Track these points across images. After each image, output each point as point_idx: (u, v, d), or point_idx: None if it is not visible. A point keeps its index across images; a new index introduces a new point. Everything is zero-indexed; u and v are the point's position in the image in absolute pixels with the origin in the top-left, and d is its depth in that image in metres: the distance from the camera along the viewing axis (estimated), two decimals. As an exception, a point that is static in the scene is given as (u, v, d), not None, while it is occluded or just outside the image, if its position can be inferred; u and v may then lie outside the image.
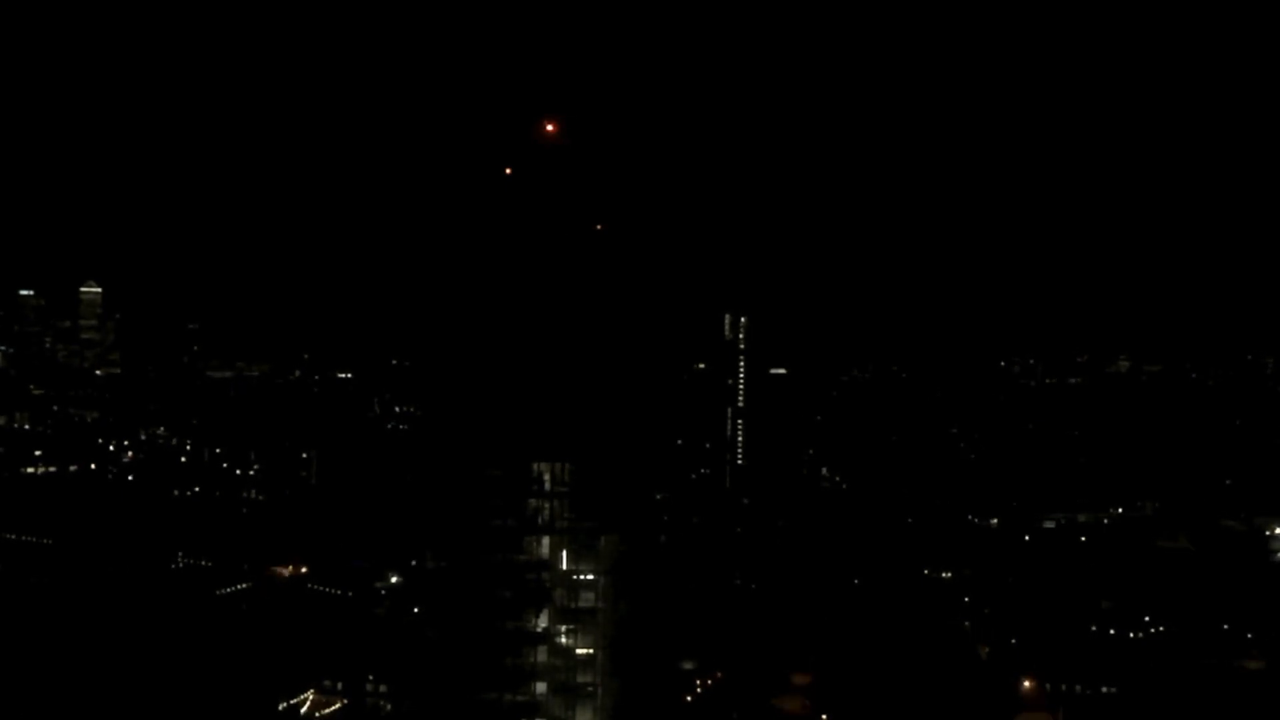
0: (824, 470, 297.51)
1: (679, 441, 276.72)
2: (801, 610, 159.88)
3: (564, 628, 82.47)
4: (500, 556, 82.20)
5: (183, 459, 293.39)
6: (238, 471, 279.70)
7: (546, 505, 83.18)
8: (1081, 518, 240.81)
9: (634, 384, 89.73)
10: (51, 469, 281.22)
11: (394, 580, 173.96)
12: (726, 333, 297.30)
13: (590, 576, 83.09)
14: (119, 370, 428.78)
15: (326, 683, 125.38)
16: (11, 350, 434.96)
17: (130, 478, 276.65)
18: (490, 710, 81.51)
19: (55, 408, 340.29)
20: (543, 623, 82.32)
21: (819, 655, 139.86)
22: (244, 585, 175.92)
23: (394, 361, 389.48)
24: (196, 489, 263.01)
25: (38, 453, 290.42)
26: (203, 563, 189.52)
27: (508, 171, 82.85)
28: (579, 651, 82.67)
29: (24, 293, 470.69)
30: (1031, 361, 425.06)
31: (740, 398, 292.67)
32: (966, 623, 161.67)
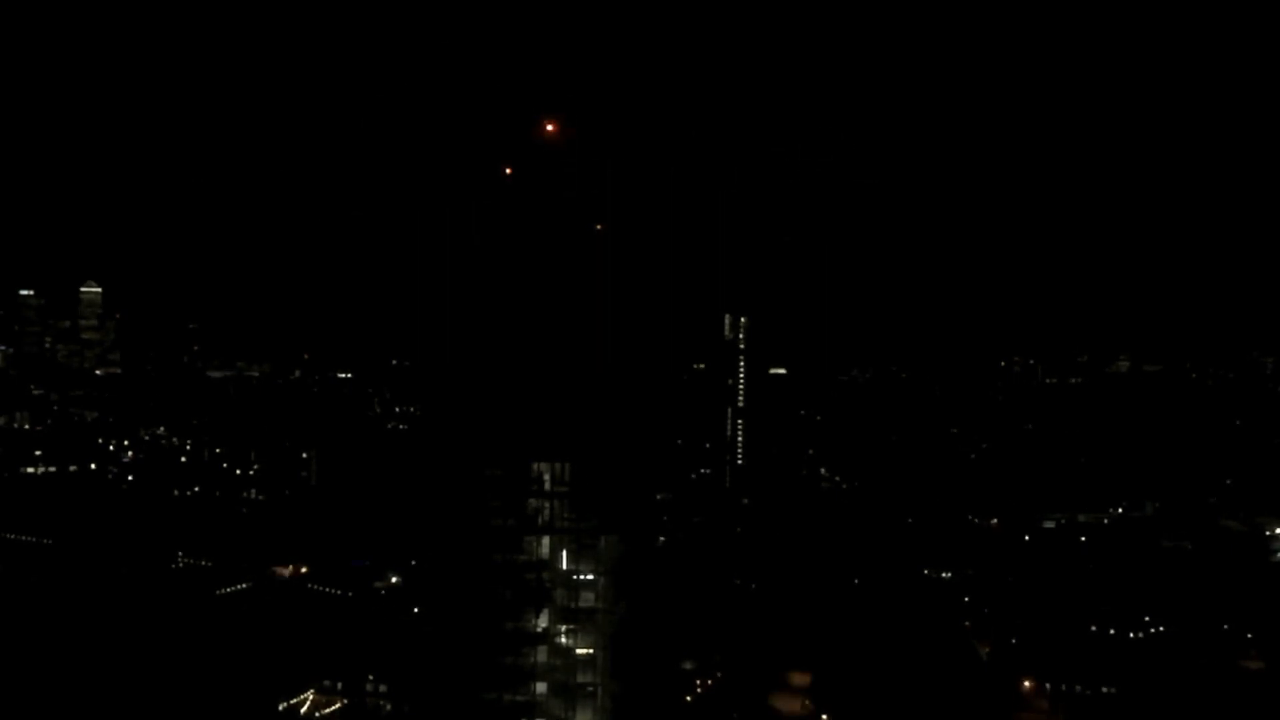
0: (824, 470, 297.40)
1: (679, 441, 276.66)
2: (801, 610, 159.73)
3: (564, 628, 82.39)
4: (500, 556, 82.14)
5: (183, 459, 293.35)
6: (238, 471, 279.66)
7: (546, 505, 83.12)
8: (1081, 518, 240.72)
9: (634, 384, 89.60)
10: (51, 469, 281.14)
11: (394, 580, 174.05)
12: (726, 333, 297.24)
13: (590, 576, 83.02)
14: (119, 370, 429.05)
15: (326, 683, 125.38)
16: (11, 350, 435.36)
17: (130, 478, 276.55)
18: (490, 710, 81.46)
19: (55, 408, 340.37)
20: (543, 623, 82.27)
21: (819, 655, 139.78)
22: (244, 585, 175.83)
23: (394, 361, 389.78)
24: (196, 489, 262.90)
25: (38, 453, 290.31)
26: (203, 563, 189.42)
27: (508, 171, 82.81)
28: (579, 651, 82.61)
29: (24, 293, 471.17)
30: (1031, 361, 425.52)
31: (740, 398, 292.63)
32: (966, 623, 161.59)
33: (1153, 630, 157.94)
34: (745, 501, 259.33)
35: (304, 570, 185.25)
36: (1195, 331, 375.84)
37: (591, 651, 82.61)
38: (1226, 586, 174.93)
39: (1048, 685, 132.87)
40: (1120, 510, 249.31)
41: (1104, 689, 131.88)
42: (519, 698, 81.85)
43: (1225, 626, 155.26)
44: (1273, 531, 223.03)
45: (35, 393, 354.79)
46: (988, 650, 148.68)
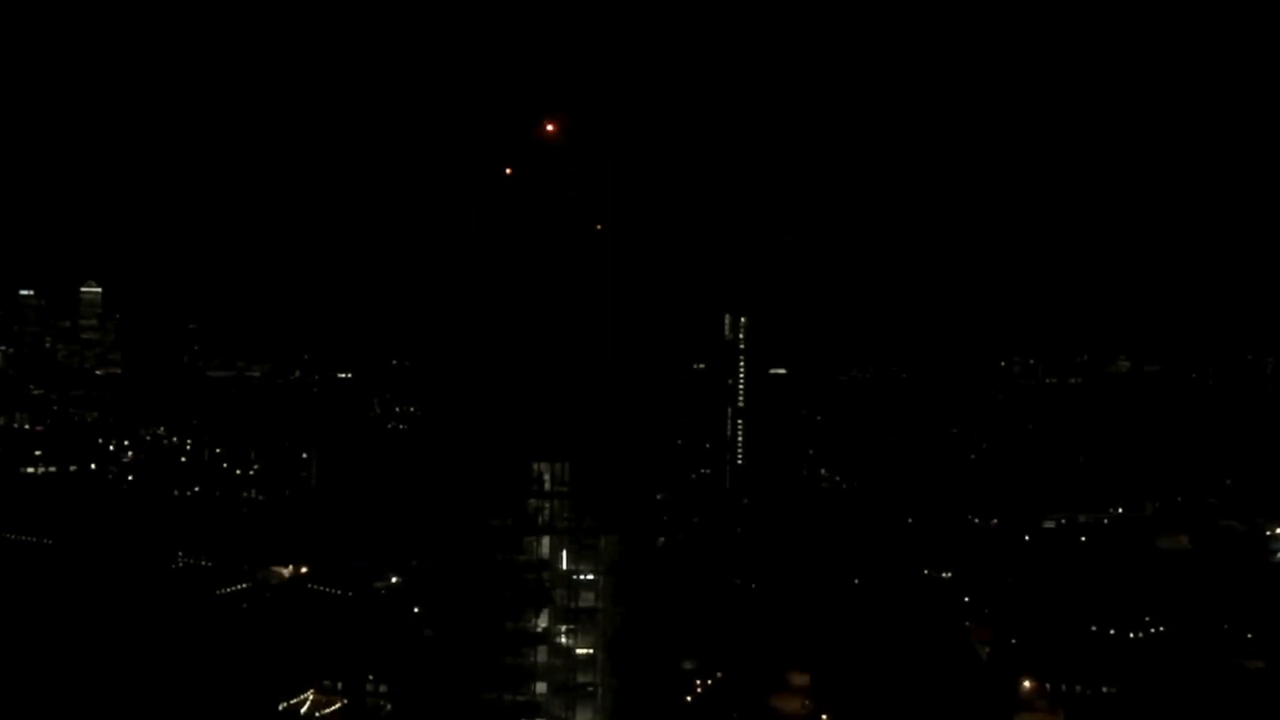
0: (824, 470, 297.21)
1: (679, 441, 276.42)
2: (801, 610, 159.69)
3: (564, 628, 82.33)
4: (500, 556, 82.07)
5: (183, 459, 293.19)
6: (238, 471, 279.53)
7: (546, 505, 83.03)
8: (1081, 518, 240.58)
9: (634, 384, 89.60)
10: (51, 469, 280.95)
11: (394, 580, 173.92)
12: (726, 333, 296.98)
13: (590, 576, 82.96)
14: (119, 370, 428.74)
15: (326, 683, 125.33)
16: (11, 350, 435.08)
17: (130, 478, 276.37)
18: (490, 710, 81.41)
19: (55, 408, 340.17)
20: (543, 623, 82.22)
21: (819, 655, 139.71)
22: (244, 585, 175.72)
23: (394, 361, 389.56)
24: (196, 489, 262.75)
25: (38, 453, 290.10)
26: (203, 563, 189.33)
27: (508, 172, 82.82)
28: (579, 651, 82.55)
29: (24, 293, 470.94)
30: (1031, 361, 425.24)
31: (740, 398, 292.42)
32: (966, 623, 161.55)
33: (1153, 630, 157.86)
34: (745, 501, 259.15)
35: (304, 570, 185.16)
36: (1195, 331, 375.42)
37: (591, 651, 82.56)
38: (1226, 586, 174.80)
39: (1048, 685, 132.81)
40: (1120, 510, 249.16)
41: (1104, 689, 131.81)
42: (519, 698, 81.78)
43: (1225, 626, 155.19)
44: (1273, 531, 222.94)
45: (35, 393, 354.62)
46: (988, 650, 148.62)
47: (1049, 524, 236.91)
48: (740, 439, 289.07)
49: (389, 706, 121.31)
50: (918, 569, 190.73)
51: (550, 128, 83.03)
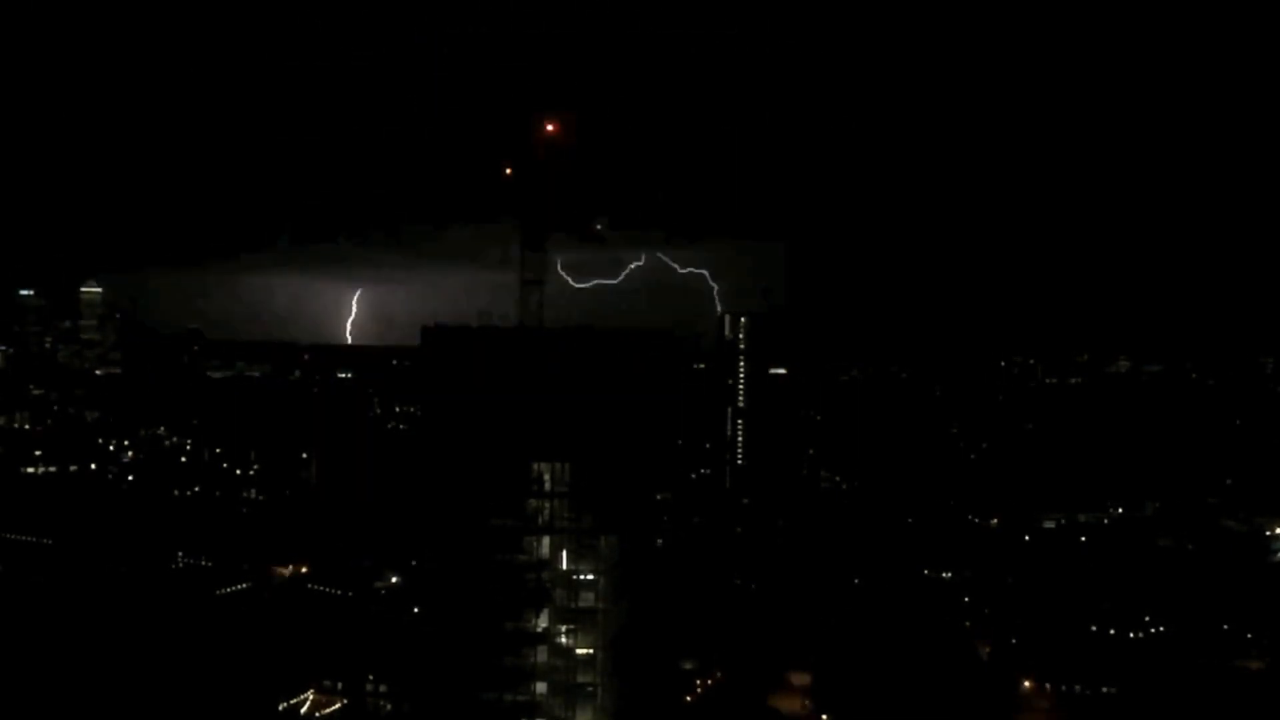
0: (824, 470, 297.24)
1: (679, 441, 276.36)
2: (801, 610, 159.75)
3: (564, 628, 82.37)
4: (500, 556, 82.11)
5: (183, 459, 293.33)
6: (238, 471, 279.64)
7: (546, 505, 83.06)
8: (1081, 518, 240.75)
9: (634, 384, 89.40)
10: (51, 469, 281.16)
11: (394, 580, 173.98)
12: (727, 333, 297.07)
13: (590, 576, 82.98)
14: (119, 370, 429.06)
15: (326, 683, 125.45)
16: (11, 350, 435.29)
17: (130, 478, 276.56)
18: (490, 710, 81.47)
19: (55, 408, 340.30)
20: (543, 623, 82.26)
21: (819, 655, 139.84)
22: (244, 585, 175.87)
23: (394, 361, 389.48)
24: (196, 489, 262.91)
25: (38, 453, 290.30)
26: (203, 563, 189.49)
27: (508, 172, 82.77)
28: (579, 651, 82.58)
29: (24, 293, 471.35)
30: (1031, 361, 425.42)
31: (740, 398, 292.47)
32: (967, 623, 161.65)
33: (1153, 630, 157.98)
34: (745, 501, 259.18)
35: (304, 570, 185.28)
36: (1195, 331, 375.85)
37: (591, 651, 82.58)
38: (1226, 586, 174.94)
39: (1048, 685, 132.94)
40: (1120, 510, 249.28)
41: (1104, 689, 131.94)
42: (519, 698, 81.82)
43: (1225, 626, 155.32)
44: (1273, 531, 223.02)
45: (35, 393, 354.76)
46: (988, 650, 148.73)
47: (1049, 524, 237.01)
48: (740, 439, 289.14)
49: (389, 706, 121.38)
50: (918, 569, 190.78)
51: (551, 128, 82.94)
